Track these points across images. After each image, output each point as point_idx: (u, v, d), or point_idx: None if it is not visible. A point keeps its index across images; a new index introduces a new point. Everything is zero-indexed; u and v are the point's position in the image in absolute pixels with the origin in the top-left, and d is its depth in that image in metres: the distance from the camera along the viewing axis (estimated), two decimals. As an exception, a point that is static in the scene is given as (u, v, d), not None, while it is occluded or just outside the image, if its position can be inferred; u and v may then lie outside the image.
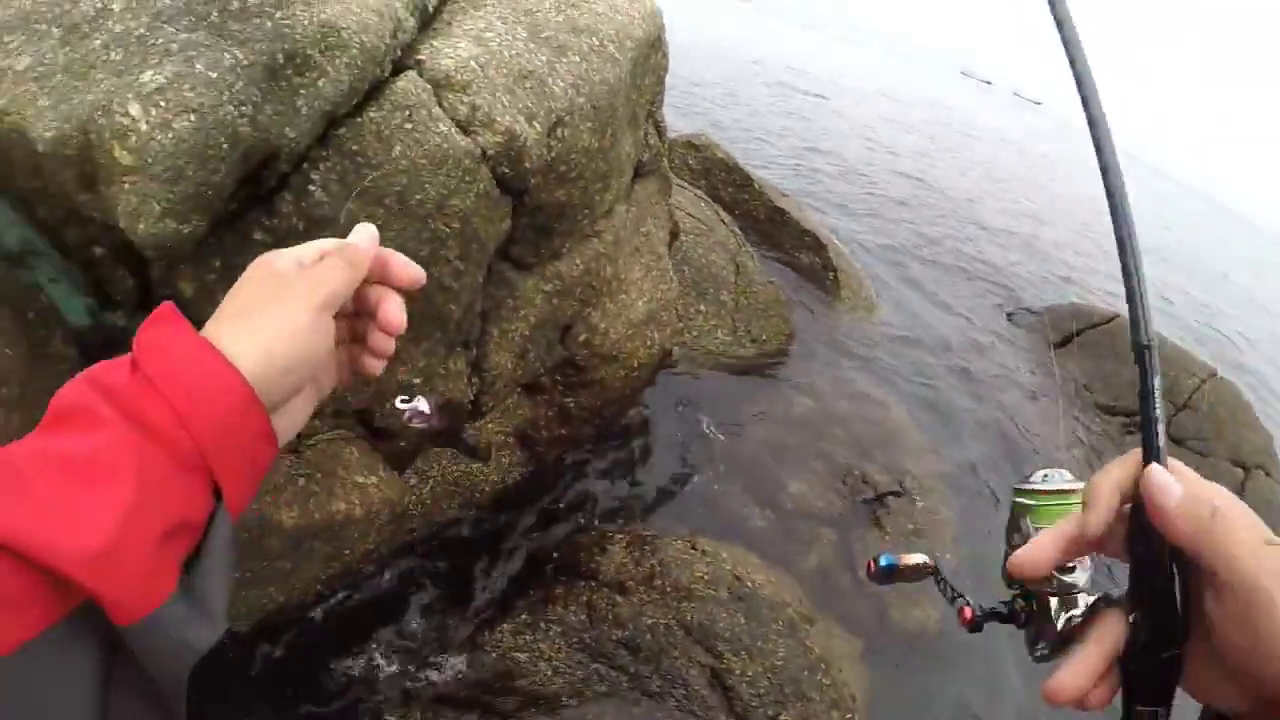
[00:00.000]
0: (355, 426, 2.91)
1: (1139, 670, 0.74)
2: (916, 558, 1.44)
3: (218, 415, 0.68)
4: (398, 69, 2.58)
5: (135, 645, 0.61)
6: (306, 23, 2.25)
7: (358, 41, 2.34)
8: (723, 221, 5.79)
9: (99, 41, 2.16)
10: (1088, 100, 0.82)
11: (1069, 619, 1.01)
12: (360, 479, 2.92)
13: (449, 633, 3.37)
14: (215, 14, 2.22)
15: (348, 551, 3.01)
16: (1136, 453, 0.75)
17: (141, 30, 2.17)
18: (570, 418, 3.77)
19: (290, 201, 2.31)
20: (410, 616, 3.37)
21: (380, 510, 2.98)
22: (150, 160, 1.93)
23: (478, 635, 3.38)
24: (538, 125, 2.72)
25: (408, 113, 2.46)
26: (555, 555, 3.77)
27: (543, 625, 3.45)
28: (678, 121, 9.27)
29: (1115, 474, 0.75)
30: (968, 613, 1.24)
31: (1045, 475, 1.11)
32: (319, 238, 2.31)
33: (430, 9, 2.86)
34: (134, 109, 1.95)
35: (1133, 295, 0.77)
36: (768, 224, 7.33)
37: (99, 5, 2.25)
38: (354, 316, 0.88)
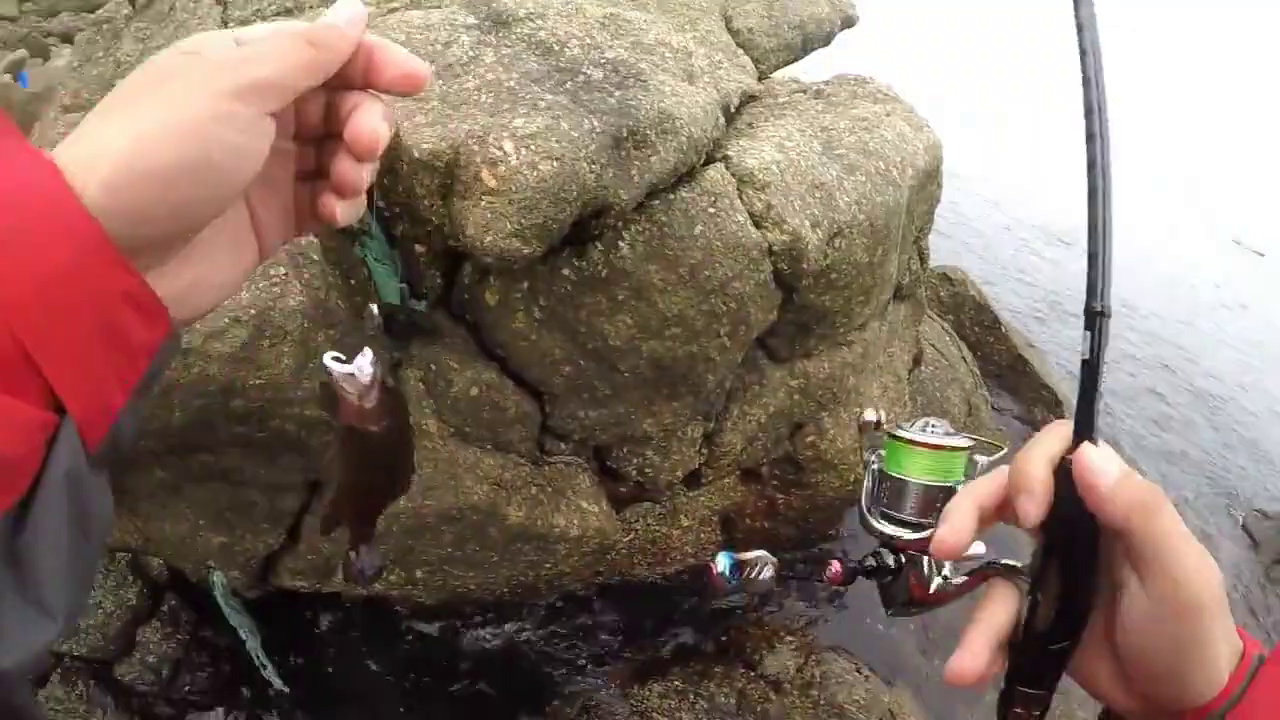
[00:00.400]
0: (592, 460, 3.18)
1: (1028, 652, 0.70)
2: (754, 552, 1.40)
3: (38, 272, 0.43)
4: (708, 159, 2.88)
5: None
6: (648, 107, 2.57)
7: (687, 131, 2.66)
8: (964, 359, 5.80)
9: (471, 84, 2.56)
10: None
11: (943, 582, 1.00)
12: (584, 504, 3.19)
13: (600, 673, 3.55)
14: (570, 83, 2.59)
15: (548, 565, 3.28)
16: (1064, 426, 0.69)
17: (511, 84, 2.55)
18: (776, 513, 3.91)
19: (600, 251, 2.64)
20: (570, 645, 3.58)
21: (591, 538, 3.24)
22: (513, 189, 2.28)
23: (626, 685, 3.54)
24: (820, 232, 2.94)
25: (713, 199, 2.74)
26: (723, 637, 3.88)
27: (691, 696, 3.56)
28: (935, 248, 9.33)
29: (1045, 451, 0.68)
30: (836, 566, 1.23)
31: (926, 425, 1.08)
32: (617, 290, 2.63)
33: (732, 109, 3.17)
34: (507, 145, 2.31)
35: (1095, 257, 0.68)
36: (1009, 370, 7.23)
37: (470, 54, 2.66)
38: (322, 140, 0.63)
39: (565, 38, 2.78)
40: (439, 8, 2.95)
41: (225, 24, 3.24)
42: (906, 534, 1.02)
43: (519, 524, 3.00)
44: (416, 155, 2.36)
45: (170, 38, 3.34)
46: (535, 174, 2.30)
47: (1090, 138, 0.68)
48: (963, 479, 1.04)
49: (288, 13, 3.18)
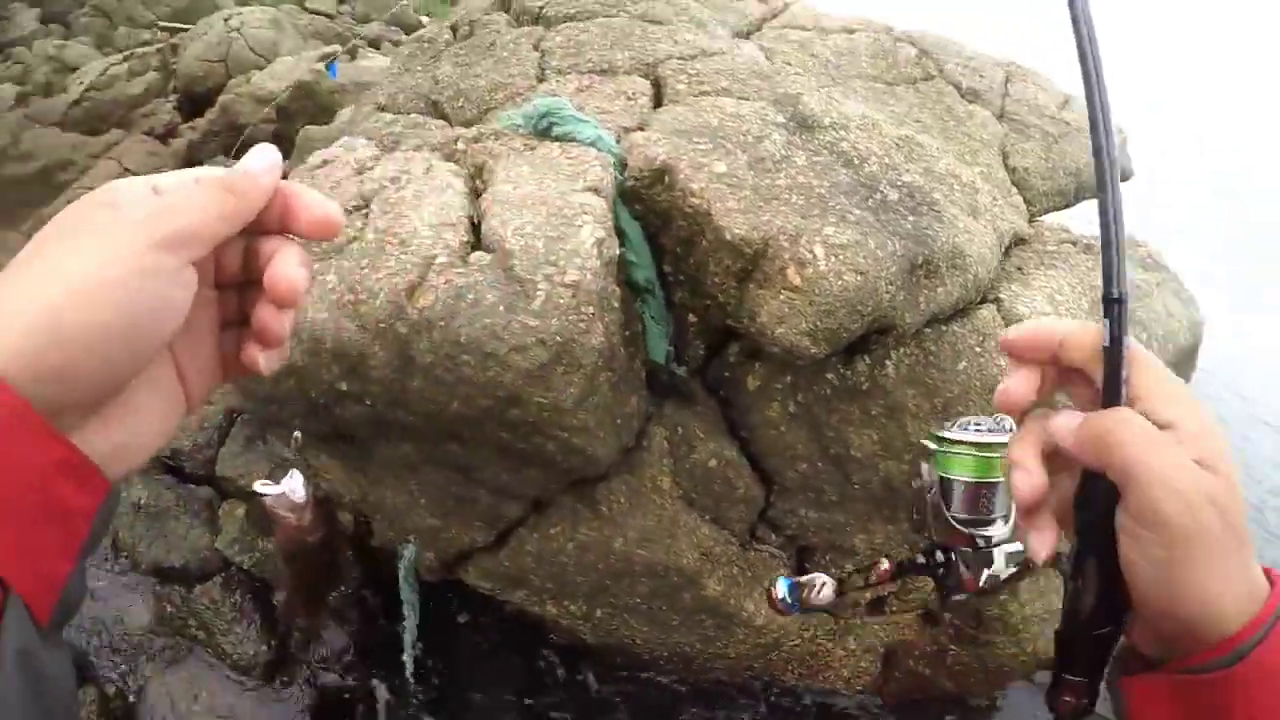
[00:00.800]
0: (794, 558, 3.24)
1: (1073, 639, 0.69)
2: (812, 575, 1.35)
3: None
4: (983, 299, 2.94)
5: None
6: (943, 240, 2.68)
7: (974, 270, 2.76)
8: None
9: (783, 181, 2.72)
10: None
11: (988, 577, 1.02)
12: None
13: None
14: (871, 199, 2.72)
15: (719, 644, 3.33)
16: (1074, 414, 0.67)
17: (822, 190, 2.70)
18: (943, 664, 3.84)
19: (867, 365, 2.75)
20: None
21: (771, 631, 3.29)
22: (816, 292, 2.43)
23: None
24: (1072, 398, 2.95)
25: (981, 338, 2.81)
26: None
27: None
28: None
29: (1039, 432, 0.68)
30: (885, 565, 1.16)
31: (969, 424, 1.04)
32: (872, 405, 2.73)
33: (1004, 249, 3.22)
34: (818, 250, 2.47)
35: (1109, 245, 0.67)
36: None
37: (783, 153, 2.83)
38: (243, 287, 0.61)
39: (865, 153, 2.93)
40: (749, 100, 3.15)
41: (541, 75, 3.54)
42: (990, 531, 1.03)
43: (713, 598, 3.09)
44: (727, 237, 2.53)
45: (489, 69, 3.65)
46: (840, 283, 2.43)
47: (1094, 126, 0.68)
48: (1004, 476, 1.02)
49: (603, 73, 3.44)
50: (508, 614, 3.44)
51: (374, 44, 12.98)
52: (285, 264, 0.56)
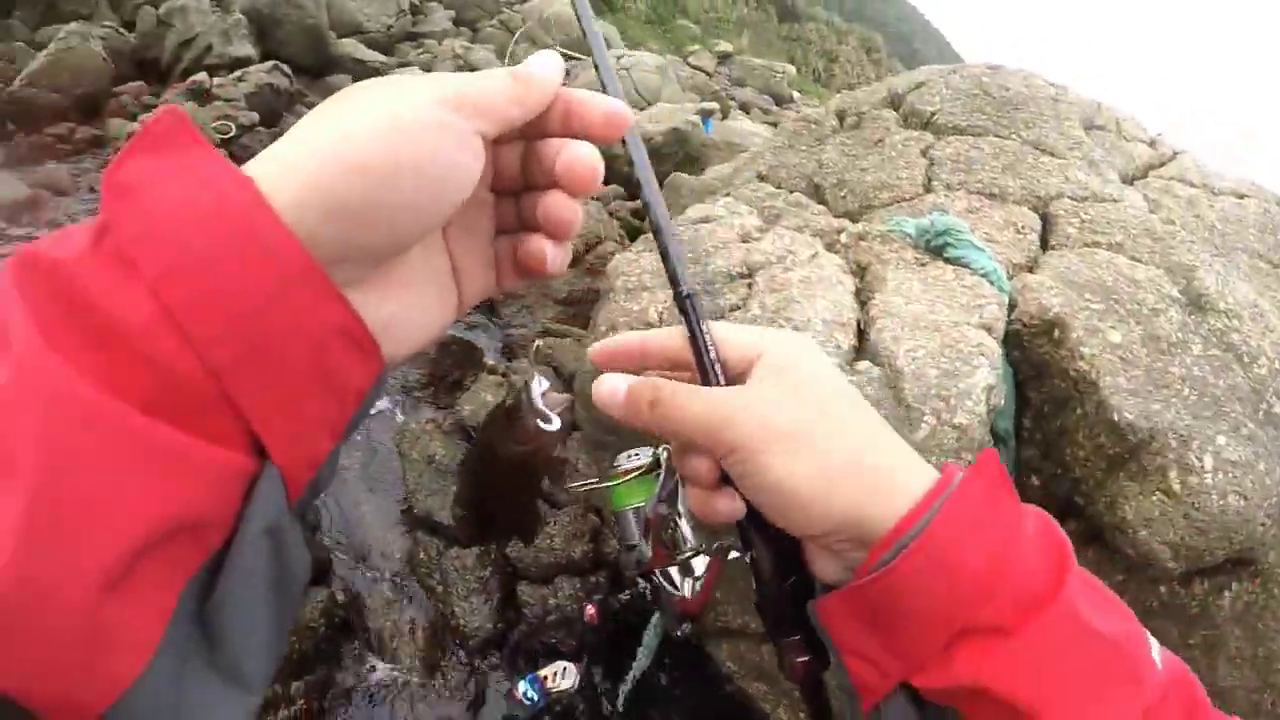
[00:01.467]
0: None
1: (772, 604, 0.63)
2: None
3: (242, 303, 0.37)
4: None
5: None
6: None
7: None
8: None
9: (1176, 370, 2.47)
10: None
11: (694, 585, 1.00)
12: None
13: None
14: (1260, 412, 2.46)
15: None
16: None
17: (1217, 391, 2.45)
18: None
19: (1203, 590, 2.46)
20: None
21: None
22: (1194, 506, 2.20)
23: None
24: None
25: None
26: None
27: None
28: None
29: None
30: (591, 611, 1.11)
31: (629, 455, 1.02)
32: (1191, 631, 2.39)
33: None
34: (1208, 460, 2.23)
35: (665, 253, 0.62)
36: None
37: (1177, 336, 2.57)
38: (518, 196, 0.56)
39: (1255, 351, 2.63)
40: (1142, 263, 2.91)
41: (929, 185, 3.44)
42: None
43: None
44: (1113, 418, 2.33)
45: (876, 165, 3.59)
46: (1222, 503, 2.19)
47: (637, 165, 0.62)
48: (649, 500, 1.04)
49: (992, 197, 3.29)
50: (729, 692, 3.34)
51: (744, 108, 13.45)
52: (584, 148, 0.51)
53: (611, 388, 0.60)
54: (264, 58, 10.84)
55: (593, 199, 6.58)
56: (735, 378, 0.59)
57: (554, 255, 0.55)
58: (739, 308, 2.52)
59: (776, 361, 0.57)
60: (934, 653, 0.52)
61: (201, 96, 9.27)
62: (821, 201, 3.54)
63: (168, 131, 0.39)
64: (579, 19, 0.67)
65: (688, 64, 16.59)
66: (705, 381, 0.59)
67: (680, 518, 0.99)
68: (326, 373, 0.41)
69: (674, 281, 0.64)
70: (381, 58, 12.65)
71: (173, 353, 0.35)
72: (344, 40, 12.65)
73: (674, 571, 1.06)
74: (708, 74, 16.10)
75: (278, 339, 0.38)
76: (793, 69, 20.22)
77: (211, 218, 0.37)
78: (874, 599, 0.53)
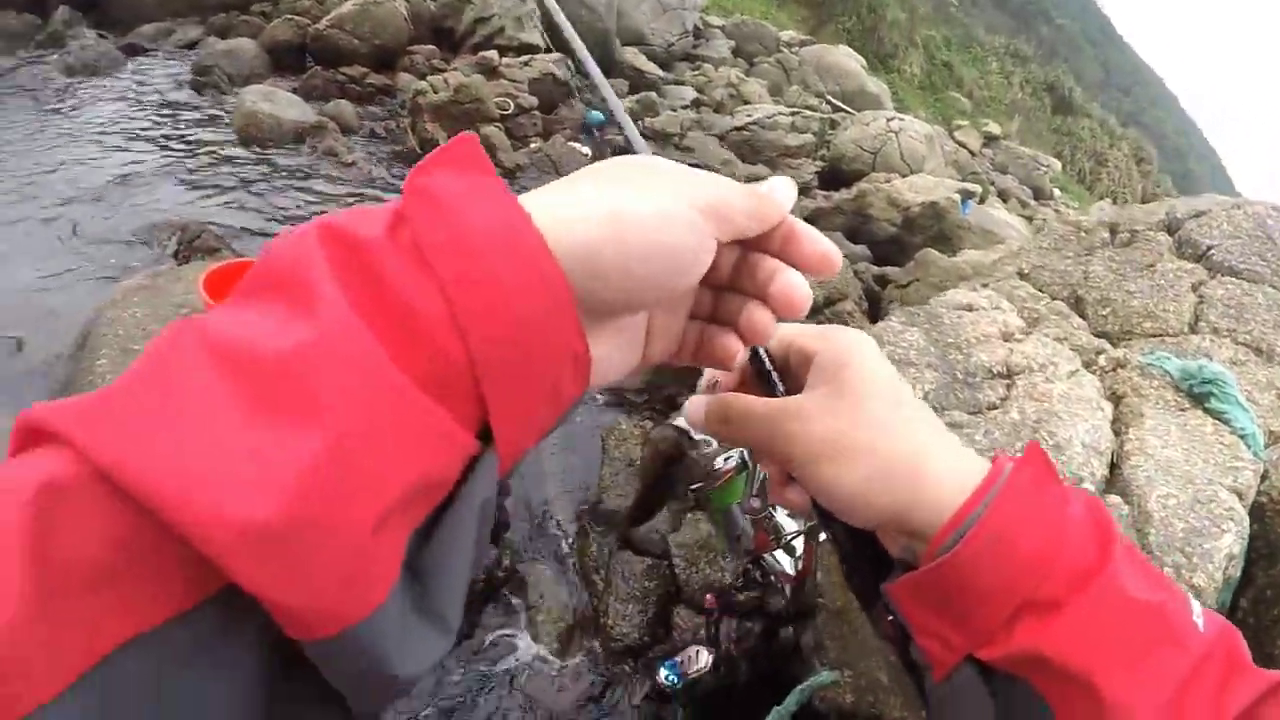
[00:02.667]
0: None
1: (860, 576, 0.67)
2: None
3: (512, 318, 0.43)
4: None
5: (313, 659, 0.39)
6: None
7: None
8: None
9: None
10: None
11: (795, 562, 1.11)
12: None
13: None
14: None
15: None
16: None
17: None
18: None
19: None
20: None
21: None
22: None
23: None
24: None
25: None
26: None
27: None
28: None
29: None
30: (710, 598, 1.10)
31: (723, 458, 1.09)
32: None
33: None
34: None
35: None
36: None
37: None
38: (721, 291, 0.62)
39: None
40: None
41: (1194, 325, 3.26)
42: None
43: None
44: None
45: (1144, 291, 3.47)
46: None
47: None
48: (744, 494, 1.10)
49: (1259, 353, 3.13)
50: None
51: (1003, 196, 13.14)
52: (799, 282, 0.57)
53: (696, 408, 0.68)
54: (550, 48, 11.46)
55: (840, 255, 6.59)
56: (798, 379, 0.64)
57: (737, 349, 0.61)
58: (996, 407, 2.52)
59: (827, 366, 0.62)
60: (996, 628, 0.56)
61: (489, 72, 9.84)
62: (1082, 315, 3.46)
63: (467, 153, 0.46)
64: (587, 73, 0.76)
65: (953, 138, 16.35)
66: (770, 390, 0.65)
67: (774, 509, 1.13)
68: (555, 389, 0.47)
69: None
70: (659, 72, 13.10)
71: (449, 345, 0.41)
72: (627, 48, 13.17)
73: (779, 554, 1.21)
74: (972, 153, 15.82)
75: (533, 354, 0.44)
76: (1058, 164, 19.57)
77: (500, 242, 0.43)
78: (938, 582, 0.57)
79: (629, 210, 0.48)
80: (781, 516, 1.19)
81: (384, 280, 0.40)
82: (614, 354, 0.55)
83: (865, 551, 0.65)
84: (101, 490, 0.35)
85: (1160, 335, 3.24)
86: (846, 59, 17.13)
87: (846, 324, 5.25)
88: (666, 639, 3.58)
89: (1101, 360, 2.93)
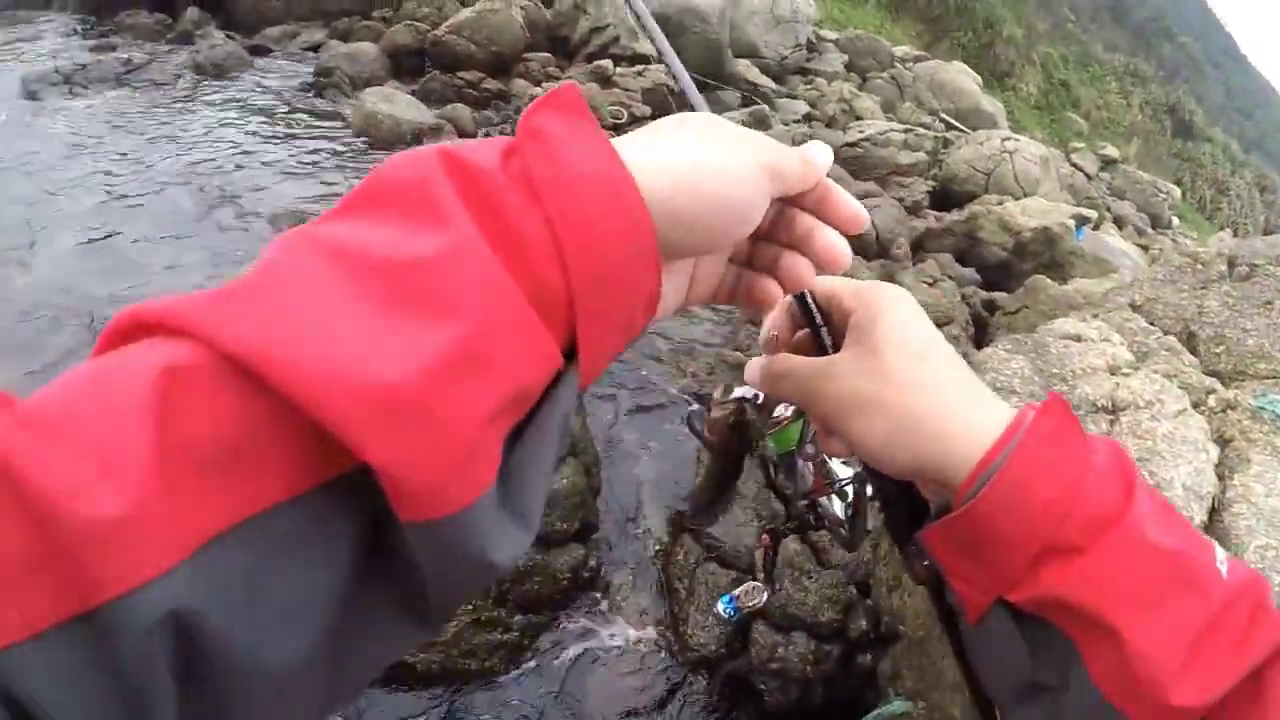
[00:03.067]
0: None
1: (894, 523, 0.72)
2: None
3: (608, 257, 0.48)
4: None
5: (417, 546, 0.42)
6: None
7: None
8: None
9: None
10: None
11: (846, 508, 1.22)
12: None
13: None
14: None
15: None
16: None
17: None
18: None
19: None
20: None
21: None
22: None
23: None
24: None
25: None
26: None
27: None
28: None
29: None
30: (764, 538, 1.17)
31: (783, 405, 1.16)
32: None
33: None
34: None
35: None
36: None
37: None
38: (758, 241, 0.67)
39: None
40: None
41: None
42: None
43: None
44: None
45: (1261, 330, 3.39)
46: None
47: None
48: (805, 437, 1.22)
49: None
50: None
51: (1118, 222, 12.81)
52: (838, 239, 0.63)
53: (751, 369, 0.73)
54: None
55: (948, 278, 6.64)
56: (840, 332, 0.69)
57: (777, 296, 0.67)
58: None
59: (861, 324, 0.66)
60: (1021, 571, 0.59)
61: (603, 81, 10.01)
62: (1194, 352, 3.41)
63: (572, 101, 0.51)
64: (651, 38, 0.79)
65: (1069, 161, 15.95)
66: (819, 342, 0.70)
67: (826, 456, 1.20)
68: (631, 321, 0.53)
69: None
70: (771, 84, 13.13)
71: (551, 269, 0.46)
72: (740, 60, 13.20)
73: (831, 498, 1.25)
74: (1088, 176, 15.42)
75: (620, 290, 0.50)
76: (1177, 191, 18.91)
77: (600, 184, 0.48)
78: (965, 528, 0.60)
79: (704, 163, 0.54)
80: (835, 464, 1.24)
81: (500, 209, 0.45)
82: (669, 293, 0.59)
83: (904, 498, 0.70)
84: (226, 375, 0.38)
85: (1275, 378, 3.19)
86: (961, 76, 16.86)
87: (952, 347, 5.29)
88: (743, 653, 3.60)
89: (1211, 400, 2.91)
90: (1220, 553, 0.59)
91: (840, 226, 0.64)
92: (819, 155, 0.63)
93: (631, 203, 0.49)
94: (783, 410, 1.33)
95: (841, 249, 0.63)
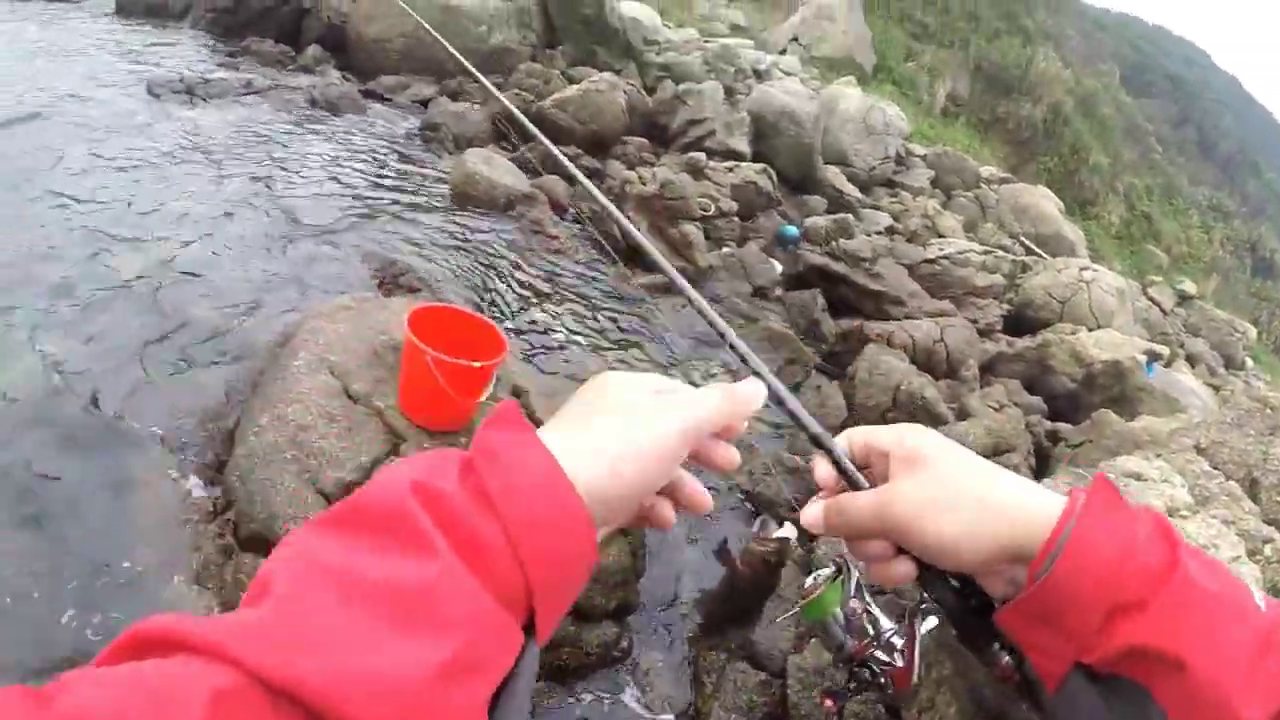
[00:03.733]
0: None
1: (966, 626, 0.77)
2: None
3: (556, 552, 0.60)
4: None
5: None
6: None
7: None
8: None
9: None
10: None
11: (898, 656, 1.20)
12: None
13: None
14: None
15: None
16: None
17: None
18: None
19: None
20: None
21: None
22: None
23: None
24: None
25: None
26: None
27: None
28: None
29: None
30: (829, 703, 1.23)
31: (813, 576, 1.16)
32: None
33: None
34: None
35: (796, 413, 0.87)
36: None
37: None
38: None
39: None
40: None
41: None
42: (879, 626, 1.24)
43: None
44: None
45: None
46: None
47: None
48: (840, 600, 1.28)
49: None
50: None
51: (1191, 360, 12.72)
52: (703, 495, 0.76)
53: (812, 513, 0.82)
54: (755, 158, 11.90)
55: (1015, 404, 6.70)
56: (879, 475, 0.79)
57: (671, 521, 0.77)
58: None
59: (905, 455, 0.76)
60: (1094, 631, 0.66)
61: (695, 172, 10.28)
62: (1255, 499, 3.38)
63: (514, 418, 0.65)
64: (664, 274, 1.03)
65: (1146, 294, 15.89)
66: (856, 487, 0.80)
67: (870, 605, 1.24)
68: (576, 587, 0.63)
69: (805, 429, 0.85)
70: (858, 194, 13.34)
71: (513, 573, 0.57)
72: (829, 166, 13.48)
73: (879, 653, 1.26)
74: (1164, 311, 15.32)
75: (566, 573, 0.60)
76: (1253, 331, 18.54)
77: (542, 489, 0.60)
78: (1041, 601, 0.67)
79: (628, 450, 0.66)
80: (876, 611, 1.28)
81: (471, 533, 0.56)
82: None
83: (969, 604, 0.77)
84: (269, 699, 0.46)
85: (1341, 532, 3.22)
86: (1044, 200, 16.98)
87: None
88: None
89: (1267, 550, 2.94)
90: (1257, 591, 0.69)
91: (689, 505, 0.77)
92: (751, 396, 0.77)
93: (570, 503, 0.61)
94: (812, 582, 1.44)
95: (704, 499, 0.77)
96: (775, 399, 0.83)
